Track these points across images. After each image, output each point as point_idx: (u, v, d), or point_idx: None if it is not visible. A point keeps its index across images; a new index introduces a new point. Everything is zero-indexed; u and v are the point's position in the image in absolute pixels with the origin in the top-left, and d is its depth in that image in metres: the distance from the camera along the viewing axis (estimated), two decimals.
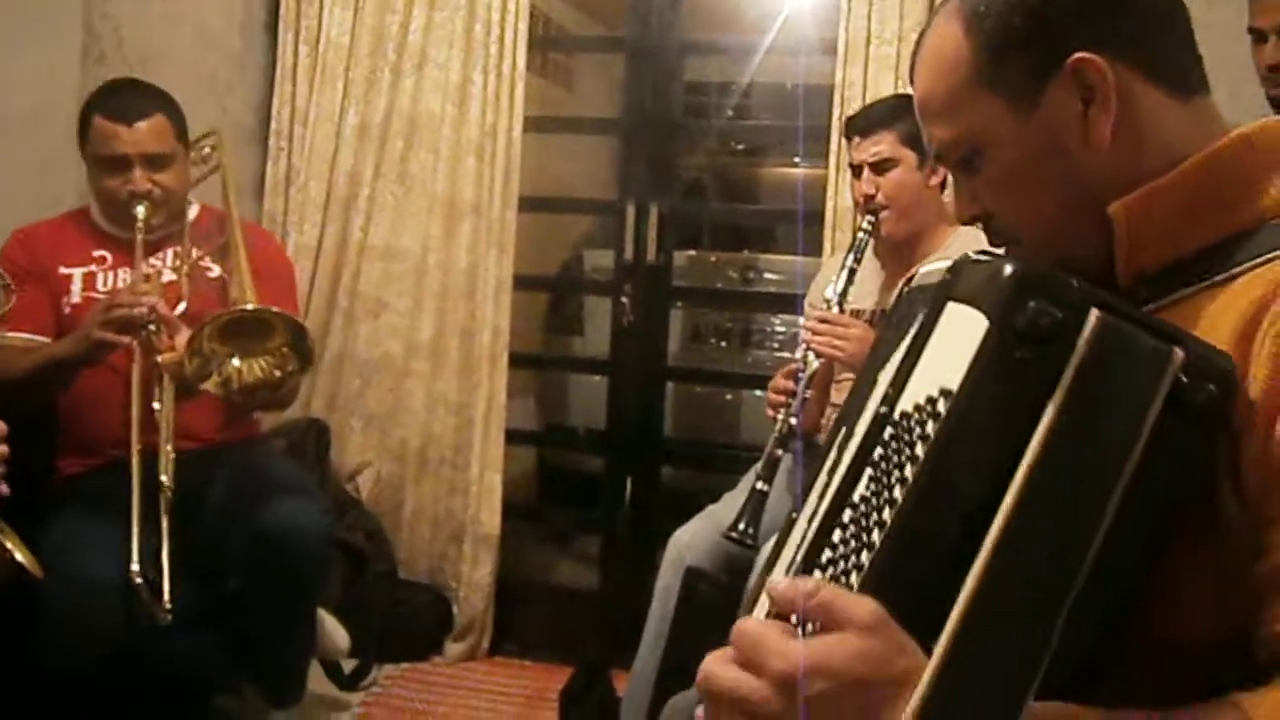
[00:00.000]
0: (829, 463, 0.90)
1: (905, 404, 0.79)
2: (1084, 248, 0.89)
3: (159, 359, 2.07)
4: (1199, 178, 0.86)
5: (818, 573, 0.77)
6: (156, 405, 2.09)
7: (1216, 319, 0.81)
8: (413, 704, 2.79)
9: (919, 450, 0.75)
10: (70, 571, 1.93)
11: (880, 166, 2.20)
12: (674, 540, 2.37)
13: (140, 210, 2.18)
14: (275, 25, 3.12)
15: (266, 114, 3.14)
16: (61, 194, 2.41)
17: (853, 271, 2.20)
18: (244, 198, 3.08)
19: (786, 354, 3.34)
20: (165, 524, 1.99)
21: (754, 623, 0.70)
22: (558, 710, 2.60)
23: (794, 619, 0.70)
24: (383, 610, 2.91)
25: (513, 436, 3.17)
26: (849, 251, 2.22)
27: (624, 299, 3.14)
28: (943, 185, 2.22)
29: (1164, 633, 0.78)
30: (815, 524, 0.81)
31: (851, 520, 0.78)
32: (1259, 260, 0.82)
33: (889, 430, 0.79)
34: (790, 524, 0.95)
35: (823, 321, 2.13)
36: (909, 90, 0.99)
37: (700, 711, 0.75)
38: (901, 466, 0.76)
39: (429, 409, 3.05)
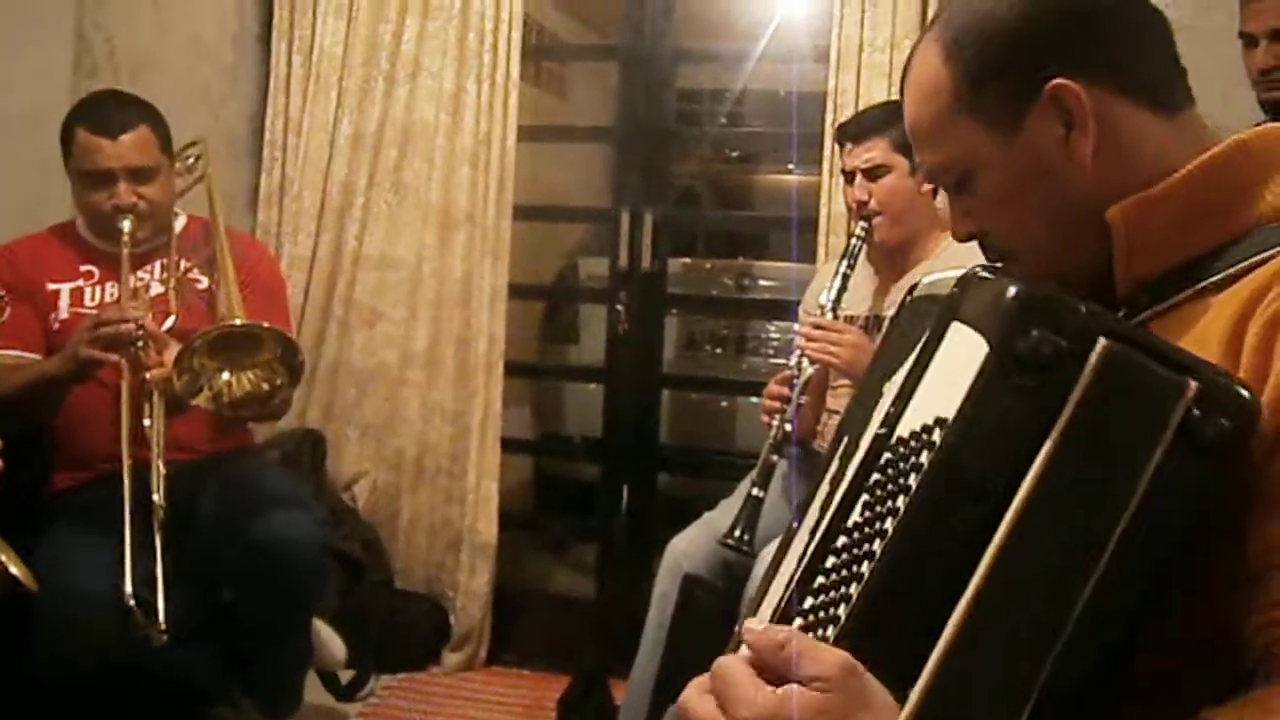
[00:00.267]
0: (831, 472, 0.90)
1: (903, 428, 0.76)
2: (1079, 260, 0.90)
3: (148, 375, 2.06)
4: (1197, 184, 0.87)
5: (809, 600, 0.76)
6: (147, 421, 2.08)
7: (1211, 321, 0.82)
8: (410, 714, 2.78)
9: (912, 481, 0.72)
10: (64, 584, 1.92)
11: (873, 173, 2.21)
12: (671, 548, 2.36)
13: (126, 224, 2.16)
14: (268, 35, 3.12)
15: (260, 124, 3.14)
16: (54, 203, 2.41)
17: (846, 278, 2.20)
18: (238, 208, 3.08)
19: (781, 360, 3.34)
20: (158, 543, 1.99)
21: (732, 663, 0.70)
22: (556, 719, 2.59)
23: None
24: (380, 620, 2.91)
25: (509, 445, 3.16)
26: (842, 258, 2.23)
27: (619, 307, 3.14)
28: (935, 191, 2.22)
29: (1160, 636, 0.77)
30: (811, 546, 0.79)
31: (844, 548, 0.76)
32: (1251, 262, 0.83)
33: (886, 455, 0.76)
34: (791, 535, 0.95)
35: (817, 328, 2.13)
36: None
37: None
38: (894, 496, 0.73)
39: (425, 418, 3.05)
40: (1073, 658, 0.69)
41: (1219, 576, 0.76)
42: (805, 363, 2.14)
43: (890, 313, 1.01)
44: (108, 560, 1.95)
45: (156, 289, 2.26)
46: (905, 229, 2.22)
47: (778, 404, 2.15)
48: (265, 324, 2.08)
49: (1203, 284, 0.85)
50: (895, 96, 2.47)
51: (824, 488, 0.89)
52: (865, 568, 0.72)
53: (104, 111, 2.18)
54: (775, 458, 2.11)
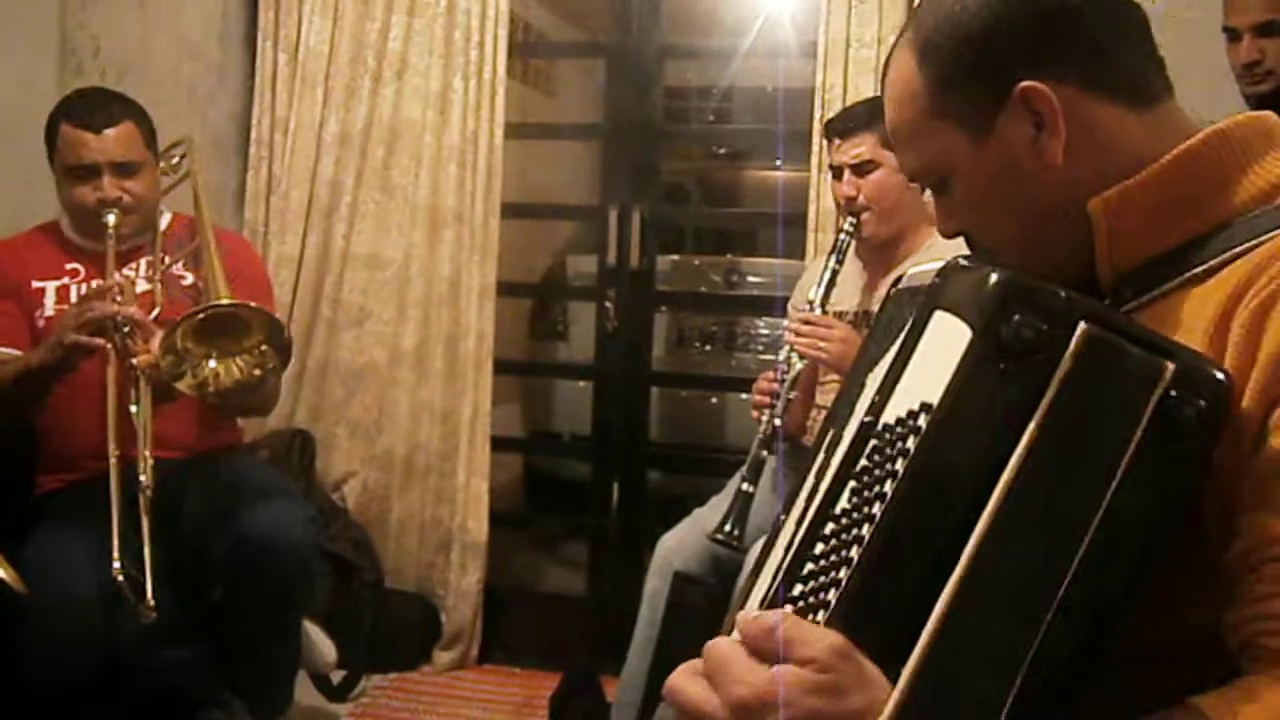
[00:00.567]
0: (817, 465, 0.90)
1: (889, 415, 0.78)
2: (1059, 255, 0.90)
3: (134, 361, 2.05)
4: (1177, 173, 0.87)
5: (799, 586, 0.77)
6: (134, 408, 2.07)
7: (1195, 312, 0.82)
8: (402, 714, 2.77)
9: (899, 465, 0.73)
10: (52, 587, 1.91)
11: (861, 168, 2.21)
12: (661, 545, 2.37)
13: (110, 218, 2.16)
14: (254, 34, 3.11)
15: (246, 124, 3.13)
16: (40, 206, 2.40)
17: (835, 273, 2.20)
18: (225, 207, 3.07)
19: (770, 357, 3.34)
20: (146, 524, 1.98)
21: (724, 644, 0.71)
22: (548, 717, 2.59)
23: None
24: (370, 620, 2.90)
25: (499, 443, 3.16)
26: (831, 253, 2.23)
27: (608, 304, 3.14)
28: (923, 187, 2.22)
29: (1149, 631, 0.77)
30: (799, 535, 0.80)
31: (833, 534, 0.77)
32: (1235, 251, 0.83)
33: (872, 442, 0.78)
34: (778, 528, 0.95)
35: (806, 323, 2.14)
36: None
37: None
38: (881, 481, 0.74)
39: (414, 417, 3.05)
40: (1059, 634, 0.70)
41: (1186, 566, 0.77)
42: (794, 358, 2.14)
43: (879, 307, 1.02)
44: (95, 562, 1.94)
45: (142, 286, 2.25)
46: (893, 224, 2.22)
47: (767, 399, 2.16)
48: (251, 304, 2.07)
49: (1186, 275, 0.85)
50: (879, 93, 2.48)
51: (810, 480, 0.90)
52: (854, 552, 0.73)
53: (89, 106, 2.18)
54: (765, 453, 2.12)
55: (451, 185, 3.00)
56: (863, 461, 0.77)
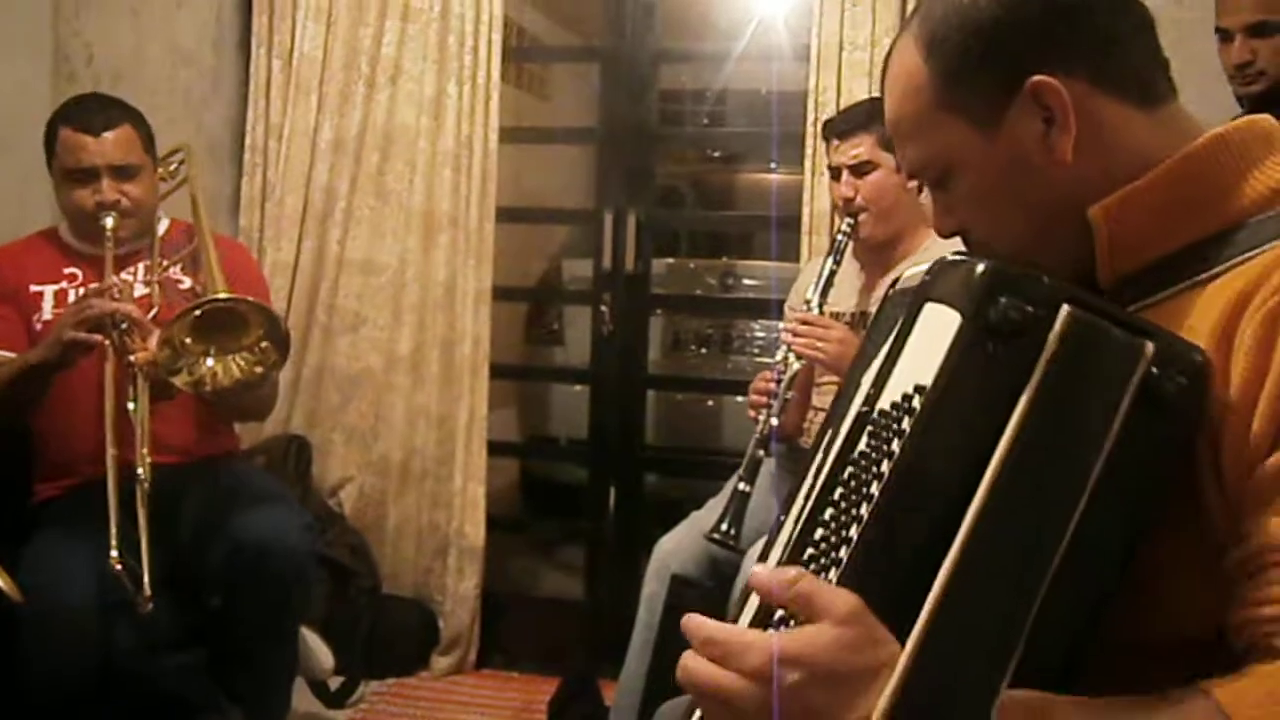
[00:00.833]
0: (814, 465, 0.91)
1: (884, 402, 0.80)
2: (1061, 256, 0.90)
3: (131, 358, 2.05)
4: (1176, 178, 0.87)
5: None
6: (131, 405, 2.07)
7: (1199, 317, 0.82)
8: (400, 719, 2.77)
9: (895, 446, 0.76)
10: (49, 595, 1.91)
11: (859, 169, 2.21)
12: (659, 548, 2.37)
13: (109, 221, 2.16)
14: (248, 41, 3.11)
15: (241, 130, 3.13)
16: (35, 213, 2.40)
17: (832, 274, 2.21)
18: (219, 214, 3.07)
19: (766, 359, 3.35)
20: (142, 515, 1.98)
21: (716, 624, 0.72)
22: None
23: (775, 614, 0.73)
24: (368, 626, 2.90)
25: (495, 448, 3.16)
26: (828, 254, 2.23)
27: (603, 308, 3.14)
28: (921, 187, 2.22)
29: (1150, 629, 0.78)
30: (799, 524, 0.82)
31: (832, 518, 0.79)
32: (1239, 259, 0.83)
33: (869, 428, 0.81)
34: (779, 527, 0.96)
35: (803, 323, 2.14)
36: None
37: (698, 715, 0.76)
38: (878, 462, 0.77)
39: (410, 422, 3.05)
40: (1059, 597, 0.73)
41: (1196, 566, 0.77)
42: (792, 358, 2.14)
43: (876, 309, 1.02)
44: (92, 570, 1.94)
45: (140, 289, 2.26)
46: (891, 225, 2.22)
47: (764, 399, 2.16)
48: (248, 299, 2.07)
49: (1187, 281, 0.85)
50: (876, 94, 2.48)
51: (808, 479, 0.90)
52: (853, 531, 0.76)
53: (88, 110, 2.20)
54: (762, 453, 2.12)
55: (446, 190, 3.00)
56: (860, 447, 0.80)
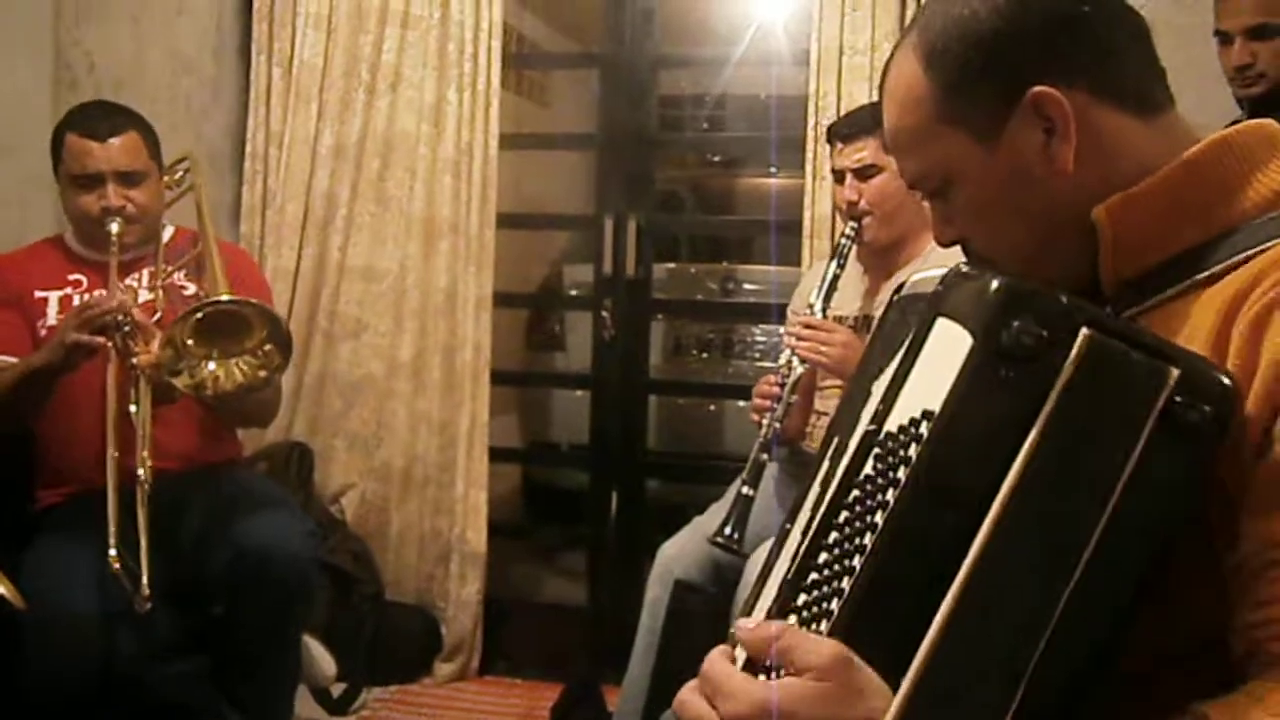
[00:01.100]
0: (821, 473, 0.90)
1: (892, 424, 0.77)
2: (1061, 265, 0.90)
3: (134, 360, 2.05)
4: (1181, 180, 0.87)
5: (802, 596, 0.77)
6: (133, 408, 2.07)
7: (1197, 320, 0.82)
8: None
9: (901, 474, 0.73)
10: (51, 602, 1.91)
11: (863, 172, 2.21)
12: (661, 553, 2.37)
13: (114, 226, 2.17)
14: (248, 48, 3.11)
15: (241, 137, 3.13)
16: (37, 221, 2.40)
17: (836, 278, 2.21)
18: (220, 221, 3.07)
19: (768, 364, 3.35)
20: (142, 516, 1.98)
21: (719, 660, 0.72)
22: None
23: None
24: (370, 632, 2.89)
25: (497, 454, 3.15)
26: (832, 258, 2.23)
27: (604, 313, 3.14)
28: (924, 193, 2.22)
29: (1152, 639, 0.77)
30: (804, 544, 0.80)
31: (836, 543, 0.76)
32: (1239, 258, 0.83)
33: (875, 450, 0.78)
34: (784, 536, 0.95)
35: (807, 327, 2.14)
36: None
37: None
38: (884, 490, 0.74)
39: (412, 428, 3.04)
40: (1063, 643, 0.70)
41: (1194, 572, 0.77)
42: (795, 362, 2.14)
43: (880, 313, 1.02)
44: (94, 577, 1.94)
45: (145, 295, 2.26)
46: (895, 229, 2.22)
47: (768, 403, 2.16)
48: (251, 300, 2.08)
49: (1188, 282, 0.85)
50: (877, 98, 2.49)
51: (814, 488, 0.90)
52: (857, 561, 0.73)
53: (94, 116, 2.21)
54: (765, 457, 2.12)
55: (447, 196, 3.00)
56: (866, 470, 0.77)
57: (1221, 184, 0.86)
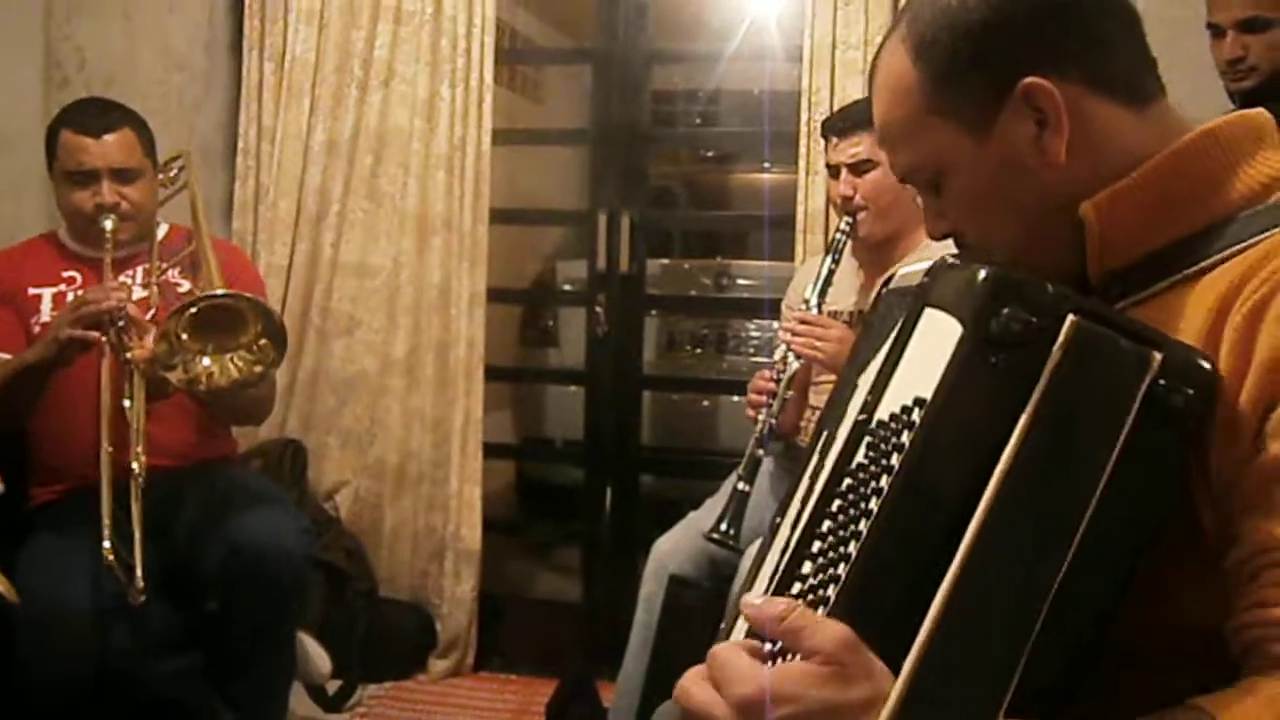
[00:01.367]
0: (810, 467, 0.90)
1: (883, 412, 0.78)
2: (1052, 256, 0.90)
3: (128, 356, 2.05)
4: (1167, 173, 0.87)
5: (797, 585, 0.77)
6: (127, 403, 2.07)
7: (1189, 312, 0.82)
8: None
9: (894, 460, 0.74)
10: (46, 599, 1.91)
11: (858, 167, 2.21)
12: (656, 549, 2.37)
13: (108, 223, 2.17)
14: (239, 44, 3.10)
15: (233, 133, 3.12)
16: (30, 218, 2.40)
17: (831, 273, 2.21)
18: (213, 218, 3.06)
19: (762, 359, 3.35)
20: (136, 511, 1.98)
21: (726, 647, 0.71)
22: None
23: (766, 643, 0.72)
24: (365, 629, 2.89)
25: (491, 450, 3.15)
26: (827, 253, 2.23)
27: (598, 309, 3.14)
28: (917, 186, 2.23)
29: (1148, 636, 0.78)
30: (796, 535, 0.81)
31: (830, 531, 0.77)
32: (1229, 251, 0.83)
33: (867, 439, 0.78)
34: (774, 529, 0.95)
35: (802, 322, 2.14)
36: None
37: None
38: (877, 477, 0.75)
39: (406, 425, 3.04)
40: (1059, 624, 0.71)
41: (1189, 568, 0.77)
42: (790, 357, 2.14)
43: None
44: (88, 572, 1.94)
45: (139, 293, 2.26)
46: (890, 224, 2.22)
47: (763, 398, 2.16)
48: (246, 295, 2.07)
49: (1176, 276, 0.85)
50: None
51: (805, 481, 0.90)
52: (852, 548, 0.74)
53: (88, 113, 2.20)
54: (760, 452, 2.12)
55: (440, 192, 3.00)
56: (858, 458, 0.78)
57: (1208, 176, 0.86)
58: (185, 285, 2.31)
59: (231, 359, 2.08)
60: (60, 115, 2.22)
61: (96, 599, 1.93)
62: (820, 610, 0.73)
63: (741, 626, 0.80)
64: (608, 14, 3.13)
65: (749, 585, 0.92)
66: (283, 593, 2.14)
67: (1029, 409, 0.71)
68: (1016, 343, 0.72)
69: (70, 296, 2.22)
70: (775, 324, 2.36)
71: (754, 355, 3.76)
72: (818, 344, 2.10)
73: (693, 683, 0.71)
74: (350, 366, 3.06)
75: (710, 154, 5.63)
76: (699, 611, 2.26)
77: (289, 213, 3.05)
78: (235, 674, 2.18)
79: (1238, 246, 0.83)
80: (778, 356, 2.17)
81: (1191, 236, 0.85)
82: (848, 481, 0.78)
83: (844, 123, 2.25)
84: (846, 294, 2.29)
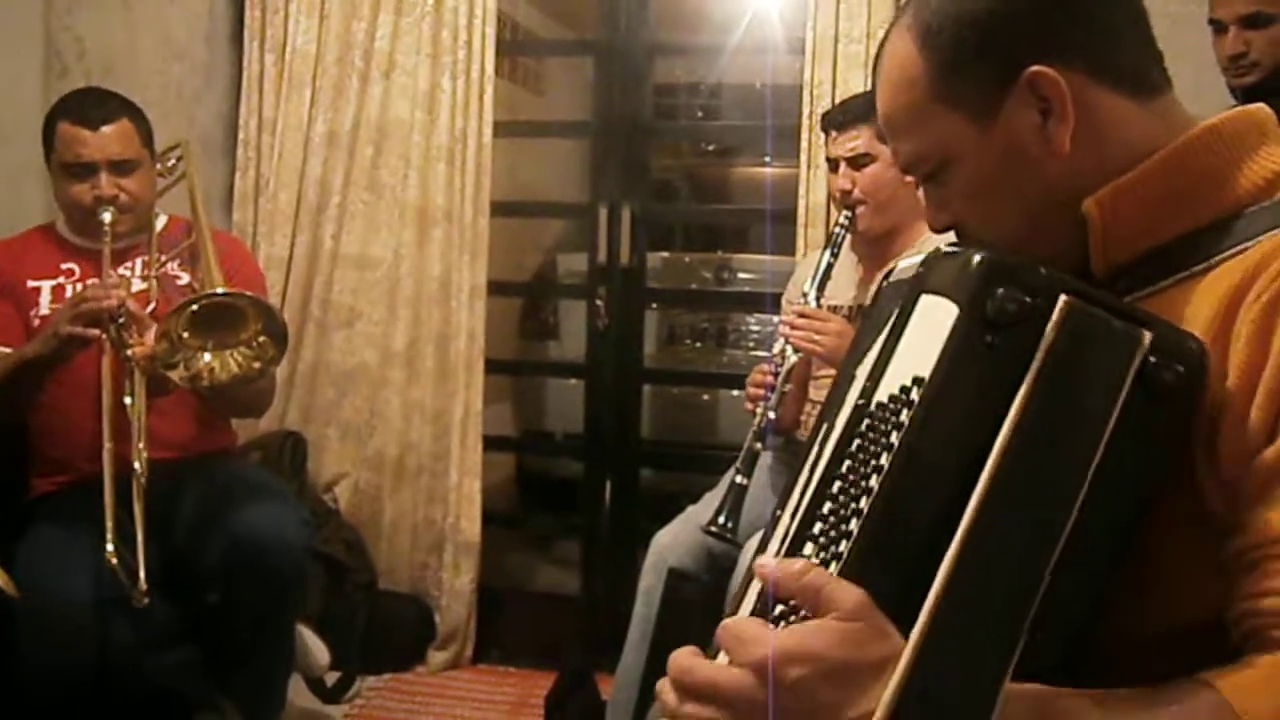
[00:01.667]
0: (810, 458, 0.91)
1: (881, 394, 0.80)
2: (1054, 247, 0.89)
3: (129, 353, 2.05)
4: (1170, 169, 0.87)
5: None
6: (128, 400, 2.07)
7: (1195, 308, 0.82)
8: (396, 714, 2.77)
9: (894, 438, 0.76)
10: (46, 591, 1.91)
11: (857, 161, 2.21)
12: (655, 542, 2.37)
13: (107, 216, 2.16)
14: (240, 35, 3.10)
15: (234, 124, 3.12)
16: (29, 209, 2.39)
17: (830, 267, 2.21)
18: (213, 209, 3.06)
19: (762, 353, 3.34)
20: (139, 509, 1.98)
21: (732, 619, 0.72)
22: (543, 716, 2.59)
23: (775, 607, 0.73)
24: (364, 621, 2.90)
25: (490, 443, 3.15)
26: (826, 247, 2.23)
27: (599, 302, 3.13)
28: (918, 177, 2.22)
29: (1150, 618, 0.78)
30: (797, 517, 0.82)
31: (831, 511, 0.79)
32: (1235, 249, 0.83)
33: (866, 421, 0.80)
34: (775, 521, 0.96)
35: (801, 316, 2.14)
36: None
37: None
38: (877, 455, 0.77)
39: (406, 417, 3.04)
40: (1059, 593, 0.73)
41: (1195, 559, 0.77)
42: (789, 351, 2.14)
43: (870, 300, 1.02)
44: (89, 565, 1.94)
45: (138, 285, 2.26)
46: (889, 218, 2.22)
47: (762, 392, 2.16)
48: (246, 293, 2.07)
49: (1181, 273, 0.84)
50: (872, 87, 2.48)
51: (804, 473, 0.90)
52: (853, 525, 0.76)
53: (86, 104, 2.19)
54: (759, 446, 2.12)
55: (440, 184, 2.99)
56: (857, 440, 0.80)
57: (1212, 172, 0.86)
58: (184, 277, 2.31)
59: (232, 355, 2.08)
60: (57, 106, 2.21)
61: (97, 591, 1.94)
62: None
63: (747, 605, 0.80)
64: (609, 6, 3.13)
65: (747, 580, 0.92)
66: (282, 584, 2.14)
67: (1025, 385, 0.73)
68: (1012, 322, 0.74)
69: (69, 289, 2.22)
70: (776, 318, 2.36)
71: (754, 349, 3.75)
72: (816, 338, 2.10)
73: (690, 659, 0.72)
74: (350, 358, 3.06)
75: (711, 147, 5.62)
76: (698, 605, 2.26)
77: (289, 204, 3.05)
78: (235, 665, 2.19)
79: (1245, 244, 0.82)
80: (776, 350, 2.17)
81: (1196, 232, 0.85)
82: (848, 463, 0.80)
83: (843, 117, 2.25)
84: (846, 288, 2.29)
